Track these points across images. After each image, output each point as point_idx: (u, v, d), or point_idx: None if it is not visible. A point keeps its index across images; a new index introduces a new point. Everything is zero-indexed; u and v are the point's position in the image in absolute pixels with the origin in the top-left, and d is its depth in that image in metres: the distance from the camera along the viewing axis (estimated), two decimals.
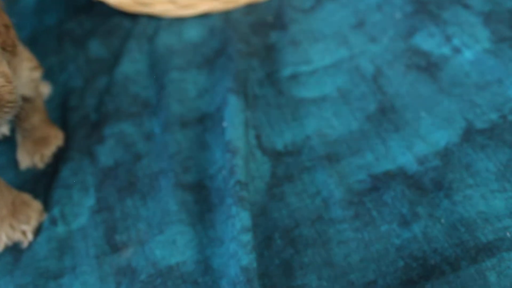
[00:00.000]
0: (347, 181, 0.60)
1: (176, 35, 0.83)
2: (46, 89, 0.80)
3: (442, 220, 0.56)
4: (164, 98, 0.73)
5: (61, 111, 0.78)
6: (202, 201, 0.61)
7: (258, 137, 0.66)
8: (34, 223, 0.65)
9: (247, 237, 0.54)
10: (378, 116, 0.66)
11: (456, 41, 0.72)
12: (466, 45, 0.71)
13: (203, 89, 0.73)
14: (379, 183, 0.59)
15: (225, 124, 0.64)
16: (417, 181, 0.59)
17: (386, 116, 0.66)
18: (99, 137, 0.72)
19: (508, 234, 0.53)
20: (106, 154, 0.70)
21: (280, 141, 0.65)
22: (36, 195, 0.68)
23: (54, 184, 0.68)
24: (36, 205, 0.66)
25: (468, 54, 0.70)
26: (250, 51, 0.76)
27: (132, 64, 0.80)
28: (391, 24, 0.77)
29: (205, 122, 0.69)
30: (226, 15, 0.83)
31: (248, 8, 0.84)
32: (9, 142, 0.73)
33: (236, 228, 0.54)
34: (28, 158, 0.73)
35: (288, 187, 0.61)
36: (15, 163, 0.73)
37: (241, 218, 0.55)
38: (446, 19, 0.75)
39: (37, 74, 0.67)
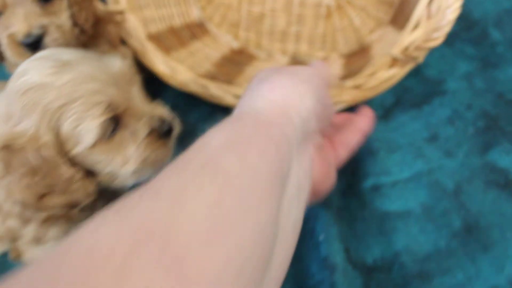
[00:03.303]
0: None
1: None
2: None
3: None
4: None
5: None
6: None
7: (347, 250, 0.68)
8: None
9: None
10: (464, 234, 0.68)
11: None
12: None
13: None
14: None
15: (321, 238, 0.67)
16: None
17: (472, 235, 0.68)
18: None
19: None
20: None
21: (369, 256, 0.68)
22: None
23: None
24: None
25: None
26: None
27: None
28: (464, 139, 0.80)
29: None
30: None
31: None
32: None
33: None
34: None
35: None
36: None
37: None
38: None
39: None
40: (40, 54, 0.51)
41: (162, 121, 0.54)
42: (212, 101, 0.87)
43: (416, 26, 0.75)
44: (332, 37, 0.95)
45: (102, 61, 0.51)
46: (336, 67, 0.88)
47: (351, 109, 0.81)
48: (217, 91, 0.88)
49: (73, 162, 0.49)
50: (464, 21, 0.98)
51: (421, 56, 0.75)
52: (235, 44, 1.01)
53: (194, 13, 1.02)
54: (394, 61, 0.77)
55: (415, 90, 0.89)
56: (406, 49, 0.74)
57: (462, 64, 0.92)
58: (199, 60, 0.96)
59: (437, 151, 0.80)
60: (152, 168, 0.54)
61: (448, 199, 0.72)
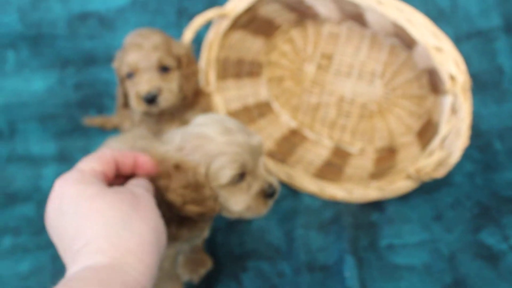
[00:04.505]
0: None
1: (298, 201, 1.14)
2: None
3: None
4: (293, 249, 1.01)
5: (208, 244, 1.07)
6: None
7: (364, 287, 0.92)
8: None
9: None
10: None
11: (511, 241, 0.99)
12: None
13: (322, 247, 1.02)
14: None
15: (347, 274, 0.92)
16: None
17: None
18: (243, 267, 1.00)
19: None
20: (249, 281, 0.97)
21: None
22: None
23: None
24: None
25: None
26: (357, 223, 1.05)
27: (265, 220, 1.10)
28: (462, 221, 1.05)
29: (326, 271, 0.96)
30: None
31: None
32: None
33: None
34: (188, 274, 1.00)
35: None
36: None
37: None
38: (505, 223, 1.03)
39: None
40: (215, 116, 0.73)
41: (270, 186, 0.74)
42: None
43: (430, 154, 1.01)
44: (370, 133, 1.24)
45: (248, 134, 0.72)
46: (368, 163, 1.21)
47: (375, 203, 1.09)
48: (274, 168, 1.17)
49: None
50: (474, 130, 1.25)
51: (427, 179, 1.02)
52: (293, 124, 1.30)
53: (263, 93, 1.32)
54: (409, 176, 1.05)
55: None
56: (418, 171, 1.00)
57: (468, 164, 1.18)
58: (264, 137, 1.25)
59: (440, 227, 1.04)
60: (251, 215, 0.75)
61: (444, 262, 0.96)
